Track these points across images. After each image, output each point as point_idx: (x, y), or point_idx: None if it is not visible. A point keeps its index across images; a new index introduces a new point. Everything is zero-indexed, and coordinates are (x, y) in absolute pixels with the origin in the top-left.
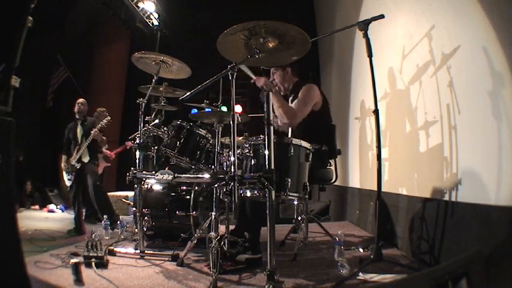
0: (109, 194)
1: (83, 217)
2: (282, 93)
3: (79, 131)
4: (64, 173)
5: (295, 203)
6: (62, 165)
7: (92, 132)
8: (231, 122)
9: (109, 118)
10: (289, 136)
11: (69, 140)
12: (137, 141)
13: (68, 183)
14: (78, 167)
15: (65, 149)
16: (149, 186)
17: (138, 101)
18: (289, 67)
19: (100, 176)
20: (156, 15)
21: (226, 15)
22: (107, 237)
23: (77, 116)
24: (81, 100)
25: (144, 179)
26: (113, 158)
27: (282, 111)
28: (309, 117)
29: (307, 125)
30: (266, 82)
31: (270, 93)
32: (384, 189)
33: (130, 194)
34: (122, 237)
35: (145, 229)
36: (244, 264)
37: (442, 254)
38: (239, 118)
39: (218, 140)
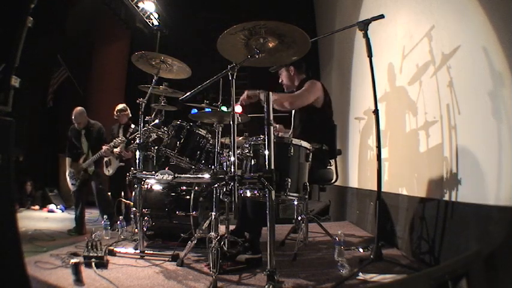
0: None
1: (85, 217)
2: (288, 90)
3: (84, 141)
4: (68, 177)
5: (295, 203)
6: (67, 170)
7: (103, 148)
8: (231, 122)
9: (123, 139)
10: (291, 133)
11: (73, 144)
12: (137, 141)
13: (72, 188)
14: (84, 177)
15: (68, 152)
16: (149, 186)
17: (138, 101)
18: (292, 66)
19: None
20: (156, 15)
21: (226, 15)
22: (107, 237)
23: (77, 127)
24: (74, 112)
25: (144, 179)
26: (130, 157)
27: (279, 101)
28: (312, 115)
29: (310, 123)
30: (248, 93)
31: (269, 95)
32: (383, 189)
33: None
34: (122, 237)
35: (145, 229)
36: (245, 264)
37: (442, 254)
38: (239, 118)
39: (218, 140)
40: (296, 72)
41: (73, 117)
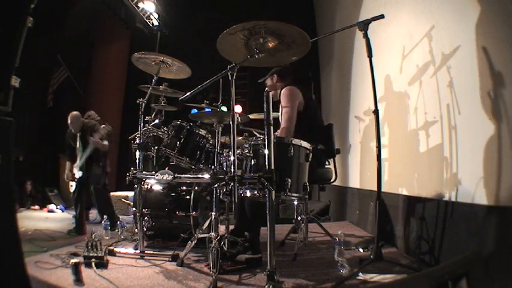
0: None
1: (85, 217)
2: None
3: (78, 142)
4: (67, 180)
5: (295, 203)
6: (66, 173)
7: (90, 142)
8: (231, 122)
9: (108, 127)
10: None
11: (71, 147)
12: (137, 141)
13: (72, 189)
14: (79, 176)
15: (68, 155)
16: (149, 187)
17: (138, 101)
18: (276, 74)
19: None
20: (156, 15)
21: (226, 15)
22: (107, 237)
23: (73, 131)
24: (70, 117)
25: (144, 179)
26: None
27: (285, 132)
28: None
29: (298, 125)
30: None
31: (269, 94)
32: (384, 189)
33: (131, 194)
34: (122, 237)
35: (145, 229)
36: (244, 264)
37: (442, 254)
38: (239, 118)
39: (218, 140)
40: (279, 80)
41: (69, 122)
